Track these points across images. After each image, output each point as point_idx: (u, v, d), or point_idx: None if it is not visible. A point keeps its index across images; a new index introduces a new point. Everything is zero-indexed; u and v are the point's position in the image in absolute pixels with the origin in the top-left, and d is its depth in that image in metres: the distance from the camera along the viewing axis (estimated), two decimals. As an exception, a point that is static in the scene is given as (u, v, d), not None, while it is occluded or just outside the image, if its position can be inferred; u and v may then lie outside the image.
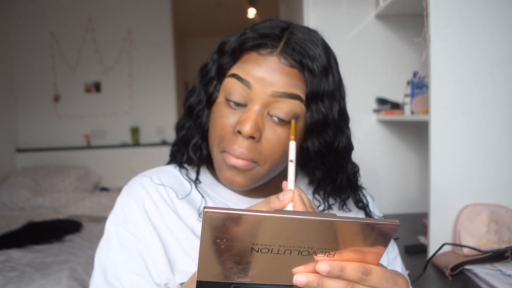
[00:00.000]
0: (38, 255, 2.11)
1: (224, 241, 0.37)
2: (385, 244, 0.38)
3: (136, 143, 3.89)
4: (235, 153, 0.56)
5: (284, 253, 0.38)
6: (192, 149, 0.65)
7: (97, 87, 3.83)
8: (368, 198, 0.74)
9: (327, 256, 0.38)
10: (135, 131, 3.89)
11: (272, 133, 0.57)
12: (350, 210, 0.68)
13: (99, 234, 0.65)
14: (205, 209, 0.35)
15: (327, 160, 0.62)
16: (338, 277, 0.38)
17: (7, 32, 3.65)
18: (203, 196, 0.64)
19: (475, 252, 1.02)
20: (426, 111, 1.18)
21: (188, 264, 0.58)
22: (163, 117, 3.95)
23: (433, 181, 1.09)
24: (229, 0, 4.58)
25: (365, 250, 0.38)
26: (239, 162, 0.56)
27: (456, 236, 1.07)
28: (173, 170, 0.68)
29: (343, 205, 0.67)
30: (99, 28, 3.81)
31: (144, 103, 3.91)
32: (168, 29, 3.95)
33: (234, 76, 0.57)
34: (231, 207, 0.39)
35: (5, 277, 1.84)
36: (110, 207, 2.91)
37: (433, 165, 1.09)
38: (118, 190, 3.60)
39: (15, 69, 3.74)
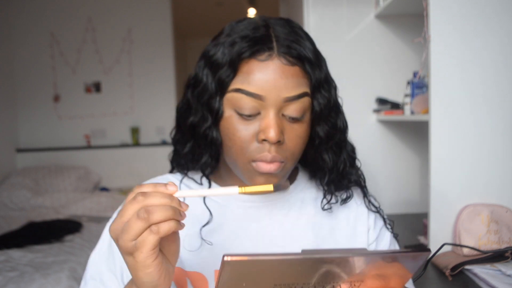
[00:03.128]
0: (38, 255, 2.11)
1: (243, 285, 0.36)
2: (412, 270, 0.37)
3: (136, 143, 3.89)
4: (267, 159, 0.56)
5: None
6: (202, 166, 0.64)
7: (97, 87, 3.83)
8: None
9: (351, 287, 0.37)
10: (135, 131, 3.88)
11: (291, 131, 0.58)
12: (356, 204, 0.69)
13: (99, 234, 0.66)
14: (225, 257, 0.34)
15: (334, 143, 0.64)
16: None
17: (7, 32, 3.65)
18: (210, 213, 0.64)
19: (475, 252, 1.02)
20: (426, 111, 1.18)
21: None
22: (163, 117, 3.94)
23: (433, 181, 1.09)
24: (229, 0, 4.58)
25: (388, 273, 0.37)
26: (273, 167, 0.57)
27: (456, 236, 1.07)
28: (175, 180, 0.69)
29: (346, 199, 0.68)
30: (99, 28, 3.81)
31: (144, 103, 3.91)
32: (168, 29, 3.95)
33: (241, 91, 0.56)
34: (252, 253, 0.39)
35: (5, 277, 1.84)
36: (110, 207, 2.93)
37: (433, 165, 1.09)
38: (118, 190, 3.61)
39: (15, 69, 3.74)
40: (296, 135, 0.58)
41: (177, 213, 0.44)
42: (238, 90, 0.56)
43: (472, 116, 1.07)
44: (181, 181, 0.69)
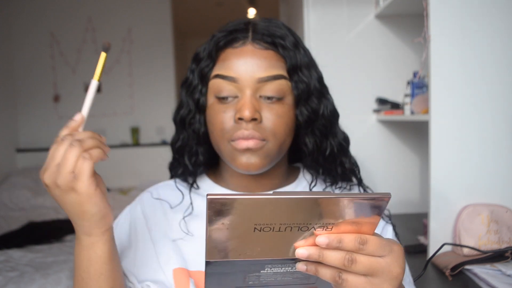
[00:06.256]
0: (38, 255, 2.11)
1: (227, 224, 0.39)
2: (379, 214, 0.41)
3: (136, 143, 3.89)
4: (244, 135, 0.58)
5: (285, 230, 0.40)
6: (187, 156, 0.68)
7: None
8: None
9: (325, 229, 0.41)
10: (135, 131, 3.88)
11: (269, 111, 0.60)
12: (345, 188, 0.70)
13: None
14: (208, 196, 0.37)
15: (316, 128, 0.65)
16: (337, 248, 0.41)
17: (7, 32, 3.65)
18: (191, 203, 0.67)
19: (475, 252, 1.02)
20: (426, 111, 1.18)
21: (156, 271, 0.61)
22: (163, 117, 3.94)
23: (433, 181, 1.09)
24: (229, 0, 4.58)
25: (360, 221, 0.41)
26: (250, 143, 0.58)
27: (456, 236, 1.07)
28: (173, 184, 0.72)
29: (335, 183, 0.68)
30: (99, 28, 3.81)
31: (144, 103, 3.91)
32: (168, 29, 3.95)
33: (218, 76, 0.61)
34: (231, 193, 0.42)
35: (5, 277, 1.84)
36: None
37: (433, 165, 1.09)
38: (118, 190, 3.61)
39: (15, 69, 3.74)
40: (276, 114, 0.60)
41: (102, 143, 0.50)
42: (216, 76, 0.61)
43: (472, 116, 1.07)
44: (184, 182, 0.71)
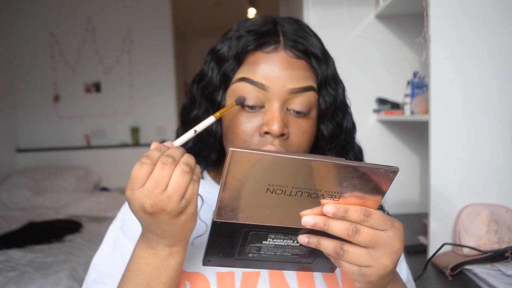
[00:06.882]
0: (38, 255, 2.11)
1: (243, 180, 0.39)
2: (383, 193, 0.43)
3: (136, 143, 3.89)
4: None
5: (295, 195, 0.41)
6: (197, 159, 0.65)
7: (97, 87, 3.83)
8: None
9: (332, 199, 0.42)
10: (135, 131, 3.88)
11: (296, 127, 0.57)
12: None
13: (99, 234, 0.66)
14: (231, 148, 0.37)
15: (339, 144, 0.63)
16: (342, 218, 0.41)
17: (7, 32, 3.65)
18: (202, 199, 0.64)
19: (475, 252, 1.02)
20: (426, 111, 1.18)
21: None
22: (163, 117, 3.95)
23: (433, 181, 1.09)
24: (229, 0, 4.58)
25: (365, 197, 0.42)
26: None
27: (456, 236, 1.07)
28: None
29: None
30: (99, 28, 3.81)
31: (144, 103, 3.92)
32: (168, 29, 3.95)
33: (245, 79, 0.56)
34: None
35: (5, 277, 1.84)
36: (110, 207, 2.92)
37: (433, 165, 1.09)
38: (118, 190, 3.61)
39: (15, 69, 3.74)
40: (302, 130, 0.57)
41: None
42: (242, 79, 0.56)
43: (472, 115, 1.07)
44: None
